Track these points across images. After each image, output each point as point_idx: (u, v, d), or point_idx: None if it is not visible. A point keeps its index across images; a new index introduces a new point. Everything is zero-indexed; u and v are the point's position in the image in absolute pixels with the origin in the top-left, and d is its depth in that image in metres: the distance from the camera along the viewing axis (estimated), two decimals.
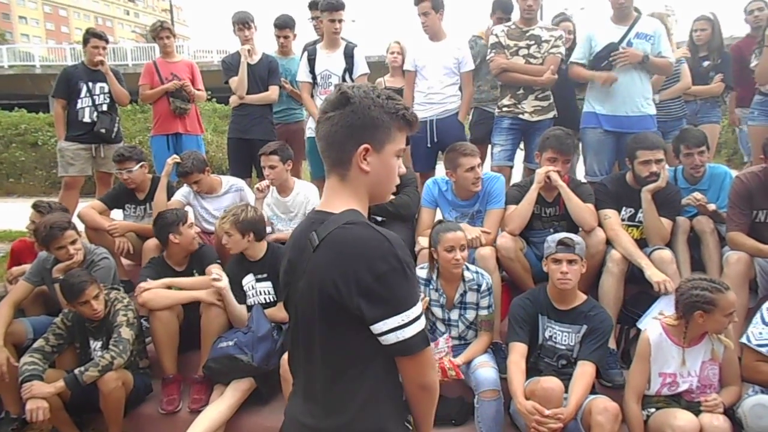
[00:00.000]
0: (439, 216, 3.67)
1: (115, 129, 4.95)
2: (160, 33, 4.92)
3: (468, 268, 3.05)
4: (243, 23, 4.81)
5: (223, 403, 3.00)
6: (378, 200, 1.40)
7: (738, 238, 3.17)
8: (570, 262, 2.75)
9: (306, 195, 3.96)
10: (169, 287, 3.37)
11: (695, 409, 2.48)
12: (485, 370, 2.80)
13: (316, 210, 1.38)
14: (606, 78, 3.84)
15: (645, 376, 2.61)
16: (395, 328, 1.23)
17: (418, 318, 1.25)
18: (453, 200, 3.65)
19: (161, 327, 3.25)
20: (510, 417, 2.82)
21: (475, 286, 3.00)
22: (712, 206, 3.39)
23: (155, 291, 3.28)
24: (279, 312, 3.35)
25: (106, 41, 4.97)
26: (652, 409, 2.56)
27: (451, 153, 3.52)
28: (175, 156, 4.12)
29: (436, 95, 4.27)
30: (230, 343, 3.09)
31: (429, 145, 4.27)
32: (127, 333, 3.08)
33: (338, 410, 1.29)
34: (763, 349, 2.54)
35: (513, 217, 3.41)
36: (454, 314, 3.04)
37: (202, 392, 3.23)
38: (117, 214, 4.43)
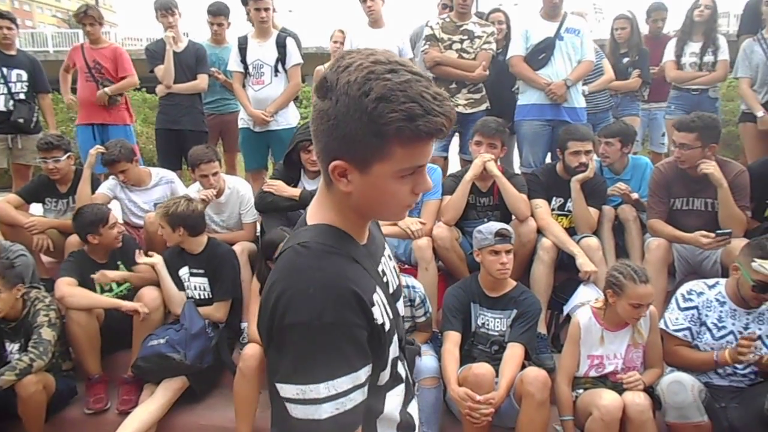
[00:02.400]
0: None
1: (34, 119, 4.65)
2: (84, 20, 4.62)
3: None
4: (165, 9, 4.62)
5: (153, 403, 2.89)
6: (382, 219, 1.08)
7: (657, 225, 3.34)
8: (507, 252, 2.81)
9: (239, 192, 3.84)
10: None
11: (620, 389, 2.59)
12: (426, 358, 2.83)
13: (303, 215, 1.10)
14: (545, 86, 3.99)
15: (575, 359, 2.71)
16: (291, 399, 0.90)
17: (319, 401, 0.89)
18: None
19: (78, 329, 3.09)
20: (446, 404, 2.87)
21: (408, 303, 2.95)
22: (634, 195, 3.57)
23: (75, 289, 3.12)
24: (215, 312, 3.26)
25: (14, 22, 4.61)
26: (581, 390, 2.66)
27: None
28: (98, 146, 3.90)
29: None
30: (161, 341, 2.98)
31: None
32: (48, 334, 2.91)
33: None
34: (679, 334, 2.66)
35: (449, 207, 3.45)
36: None
37: (131, 393, 3.10)
38: (36, 208, 4.18)
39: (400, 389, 1.11)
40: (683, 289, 2.74)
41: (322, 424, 0.90)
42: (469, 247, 3.49)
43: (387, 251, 1.20)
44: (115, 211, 4.06)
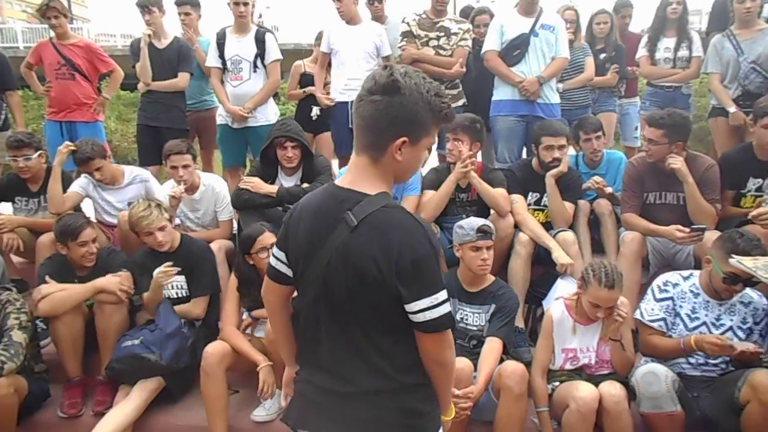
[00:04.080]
0: None
1: (2, 116, 4.54)
2: (47, 13, 4.47)
3: None
4: (143, 7, 4.54)
5: (128, 404, 2.84)
6: (401, 182, 1.53)
7: (631, 219, 3.39)
8: (488, 248, 2.82)
9: (214, 189, 3.80)
10: None
11: (595, 381, 2.63)
12: None
13: (342, 187, 1.41)
14: (519, 83, 4.02)
15: (549, 352, 2.74)
16: (425, 308, 1.34)
17: (445, 301, 1.37)
18: None
19: (64, 329, 3.02)
20: None
21: None
22: (609, 189, 3.62)
23: (52, 297, 3.00)
24: (194, 308, 3.22)
25: None
26: (557, 383, 2.69)
27: None
28: (68, 143, 3.80)
29: (353, 81, 4.27)
30: (136, 341, 2.93)
31: (350, 126, 4.26)
32: (19, 336, 2.84)
33: (378, 373, 1.40)
34: (654, 324, 2.70)
35: (430, 204, 3.45)
36: None
37: (106, 394, 3.04)
38: (6, 208, 4.07)
39: None
40: (659, 281, 2.78)
41: (449, 314, 1.39)
42: (447, 243, 3.49)
43: None
44: (88, 210, 4.01)
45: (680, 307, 2.69)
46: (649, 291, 2.80)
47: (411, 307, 1.35)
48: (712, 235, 3.09)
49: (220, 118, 4.48)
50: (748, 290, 2.65)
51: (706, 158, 3.43)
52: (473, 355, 2.78)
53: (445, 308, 1.37)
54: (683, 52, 4.68)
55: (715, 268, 2.58)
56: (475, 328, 2.90)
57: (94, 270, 3.22)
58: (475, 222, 2.85)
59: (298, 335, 1.58)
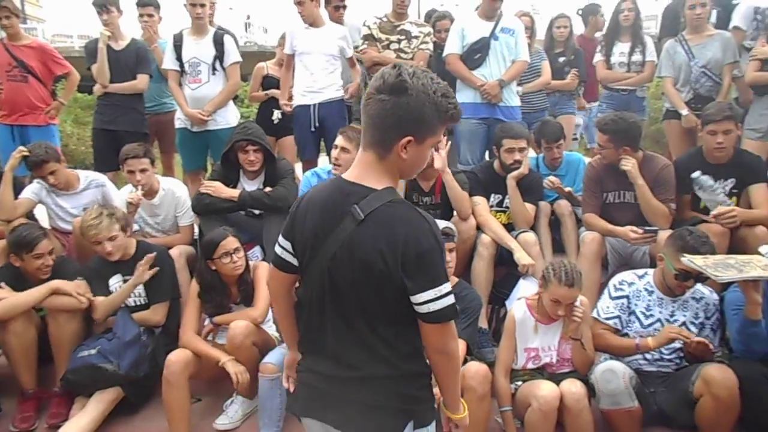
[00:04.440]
0: None
1: None
2: None
3: None
4: (100, 7, 4.41)
5: (84, 417, 2.74)
6: (407, 178, 1.54)
7: (591, 219, 3.47)
8: (450, 251, 2.83)
9: (174, 194, 3.71)
10: None
11: (556, 379, 2.66)
12: None
13: (349, 181, 1.46)
14: (481, 86, 4.08)
15: (511, 352, 2.77)
16: (430, 300, 1.38)
17: (450, 293, 1.41)
18: None
19: (15, 339, 2.90)
20: None
21: None
22: (567, 189, 3.69)
23: (2, 303, 2.89)
24: (153, 315, 3.13)
25: None
26: (519, 382, 2.72)
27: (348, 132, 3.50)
28: (21, 148, 3.66)
29: (316, 83, 4.26)
30: (92, 351, 2.84)
31: (312, 130, 4.28)
32: None
33: (382, 360, 1.45)
34: (609, 322, 2.77)
35: None
36: None
37: (61, 406, 2.94)
38: None
39: None
40: (615, 280, 2.85)
41: (453, 306, 1.42)
42: None
43: None
44: (41, 216, 3.87)
45: (635, 305, 2.76)
46: (605, 290, 2.87)
47: (416, 298, 1.39)
48: (665, 235, 3.19)
49: (179, 121, 4.39)
50: (699, 286, 2.74)
51: (662, 158, 3.54)
52: None
53: (449, 300, 1.41)
54: (637, 57, 4.82)
55: (668, 265, 2.66)
56: None
57: (47, 281, 3.08)
58: (438, 225, 2.85)
59: (301, 325, 1.62)
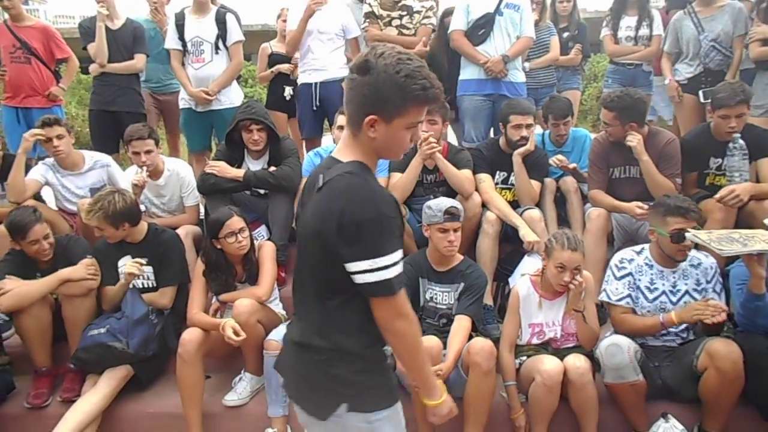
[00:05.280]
0: None
1: None
2: None
3: None
4: None
5: (96, 394, 2.80)
6: (389, 158, 1.57)
7: (597, 195, 3.46)
8: (455, 230, 2.84)
9: (179, 175, 3.73)
10: None
11: (561, 354, 2.68)
12: None
13: (331, 156, 1.54)
14: (485, 62, 4.01)
15: (516, 327, 2.79)
16: (364, 270, 1.39)
17: (386, 267, 1.40)
18: None
19: (31, 321, 2.94)
20: (398, 378, 2.90)
21: None
22: (572, 165, 3.67)
23: (15, 292, 2.90)
24: (160, 298, 3.15)
25: None
26: (524, 357, 2.74)
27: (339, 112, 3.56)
28: (34, 130, 3.62)
29: (317, 61, 4.23)
30: (102, 330, 2.88)
31: (314, 109, 4.27)
32: None
33: (328, 332, 1.48)
34: (622, 302, 2.74)
35: (398, 186, 3.46)
36: None
37: (74, 382, 2.98)
38: None
39: None
40: (615, 260, 2.84)
41: (392, 281, 1.41)
42: (416, 224, 3.51)
43: None
44: (48, 197, 3.89)
45: (639, 280, 2.76)
46: (608, 272, 2.84)
47: (350, 267, 1.41)
48: None
49: (183, 101, 4.37)
50: (695, 253, 2.75)
51: (667, 133, 3.50)
52: (443, 333, 2.82)
53: (387, 274, 1.40)
54: (644, 31, 4.73)
55: (660, 233, 2.68)
56: (444, 307, 2.93)
57: (55, 261, 3.13)
58: (443, 203, 2.86)
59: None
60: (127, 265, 3.04)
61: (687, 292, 2.71)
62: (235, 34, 4.23)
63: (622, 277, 2.77)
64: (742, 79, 4.04)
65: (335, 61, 4.28)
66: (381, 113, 1.41)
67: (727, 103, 3.20)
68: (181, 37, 4.19)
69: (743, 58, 4.08)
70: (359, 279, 1.41)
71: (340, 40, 4.29)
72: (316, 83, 4.23)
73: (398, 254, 1.43)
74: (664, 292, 2.73)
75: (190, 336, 2.81)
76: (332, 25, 4.22)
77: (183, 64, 4.26)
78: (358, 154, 1.48)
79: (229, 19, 4.22)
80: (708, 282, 2.73)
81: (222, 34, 4.18)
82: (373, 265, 1.39)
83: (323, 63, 4.24)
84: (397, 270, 1.43)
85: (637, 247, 2.87)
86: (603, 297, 2.81)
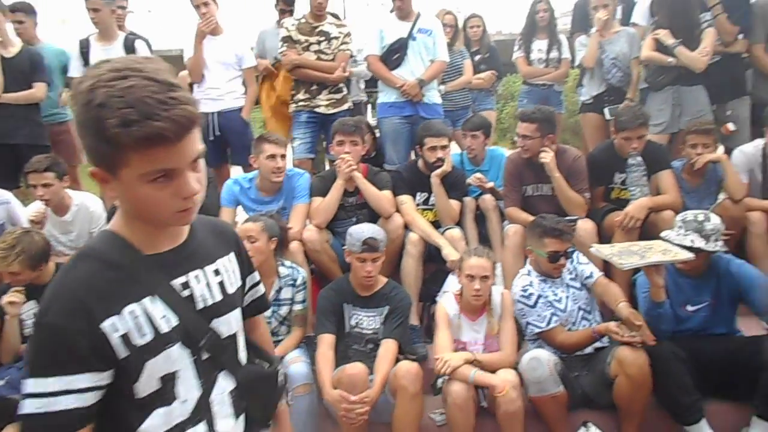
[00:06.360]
0: (240, 215, 3.57)
1: None
2: None
3: (283, 264, 3.04)
4: None
5: None
6: (160, 225, 1.07)
7: (514, 212, 3.57)
8: (374, 260, 2.86)
9: (88, 209, 3.54)
10: None
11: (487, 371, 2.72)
12: (297, 365, 2.79)
13: None
14: (401, 85, 4.09)
15: (446, 343, 2.78)
16: (27, 394, 0.97)
17: (34, 396, 0.96)
18: (256, 197, 3.57)
19: None
20: (326, 408, 2.85)
21: (291, 282, 3.00)
22: (490, 184, 3.78)
23: None
24: None
25: None
26: (447, 377, 2.75)
27: (259, 139, 3.52)
28: None
29: (213, 90, 4.20)
30: (1, 382, 2.66)
31: (211, 138, 4.20)
32: None
33: None
34: (552, 324, 2.78)
35: (320, 210, 3.45)
36: (267, 311, 2.98)
37: None
38: None
39: (174, 410, 1.10)
40: (517, 292, 2.87)
41: (24, 418, 0.96)
42: (339, 248, 3.49)
43: (217, 265, 1.20)
44: None
45: (547, 297, 2.87)
46: (518, 306, 2.87)
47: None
48: (583, 224, 3.34)
49: None
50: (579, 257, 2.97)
51: (573, 150, 3.68)
52: (370, 358, 2.80)
53: (27, 407, 0.96)
54: (554, 54, 5.02)
55: (537, 253, 2.83)
56: (370, 332, 2.92)
57: None
58: (364, 233, 2.87)
59: None
60: (8, 294, 2.80)
61: (569, 286, 2.92)
62: None
63: (536, 302, 2.84)
64: (641, 97, 4.34)
65: (232, 90, 4.26)
66: (99, 164, 0.98)
67: (628, 126, 3.41)
68: (86, 65, 4.01)
69: (640, 79, 4.37)
70: (23, 405, 0.97)
71: (237, 71, 4.27)
72: (213, 113, 4.19)
73: (61, 384, 0.96)
74: (567, 298, 2.88)
75: None
76: (227, 54, 4.21)
77: None
78: (119, 222, 1.07)
79: (139, 45, 4.09)
80: (585, 278, 2.95)
81: None
82: (30, 389, 0.96)
83: (220, 93, 4.22)
84: (47, 407, 0.95)
85: (525, 269, 3.00)
86: (533, 330, 2.83)
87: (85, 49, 4.04)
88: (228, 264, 1.23)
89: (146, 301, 1.05)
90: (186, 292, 1.11)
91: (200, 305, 1.13)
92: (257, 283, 1.40)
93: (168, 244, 1.10)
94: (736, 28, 3.94)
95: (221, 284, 1.19)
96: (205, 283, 1.15)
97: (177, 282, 1.10)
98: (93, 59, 4.01)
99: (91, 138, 0.94)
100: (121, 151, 0.93)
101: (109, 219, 3.37)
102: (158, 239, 1.09)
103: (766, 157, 3.46)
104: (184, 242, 1.13)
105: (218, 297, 1.17)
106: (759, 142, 3.55)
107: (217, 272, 1.19)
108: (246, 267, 1.32)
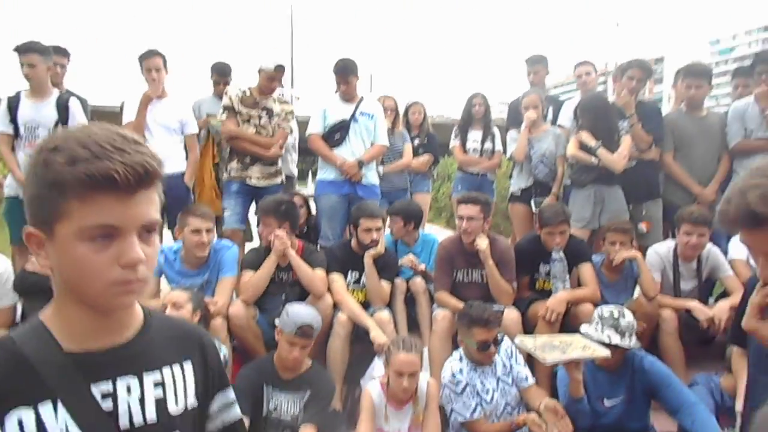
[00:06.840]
0: (164, 285, 3.43)
1: None
2: None
3: None
4: None
5: None
6: (97, 306, 0.88)
7: (442, 297, 3.60)
8: (303, 347, 2.81)
9: None
10: None
11: None
12: None
13: None
14: (341, 164, 4.18)
15: (372, 429, 2.70)
16: None
17: None
18: (181, 269, 3.45)
19: None
20: None
21: None
22: (422, 266, 3.83)
23: None
24: None
25: None
26: None
27: (184, 212, 3.44)
28: None
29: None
30: None
31: None
32: None
33: None
34: (476, 414, 2.78)
35: (250, 285, 3.37)
36: None
37: None
38: None
39: None
40: (446, 377, 2.89)
41: None
42: (265, 324, 3.39)
43: (162, 375, 0.96)
44: None
45: (475, 385, 2.87)
46: (445, 392, 2.86)
47: None
48: (509, 313, 3.41)
49: (8, 189, 3.96)
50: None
51: (503, 239, 3.82)
52: None
53: None
54: (488, 145, 5.29)
55: (468, 343, 2.87)
56: (289, 418, 2.80)
57: None
58: (301, 318, 2.82)
59: None
60: None
61: (499, 379, 2.92)
62: (78, 118, 3.98)
63: (463, 390, 2.83)
64: (565, 193, 4.60)
65: (175, 154, 4.22)
66: (35, 221, 0.86)
67: (551, 223, 3.60)
68: (14, 120, 3.86)
69: (565, 175, 4.64)
70: None
71: (179, 136, 4.26)
72: None
73: None
74: (492, 389, 2.87)
75: None
76: (171, 119, 4.20)
77: (13, 149, 3.89)
78: (49, 308, 0.93)
79: (73, 103, 3.99)
80: (520, 380, 2.97)
81: (63, 120, 3.92)
82: None
83: (163, 156, 4.10)
84: None
85: (455, 355, 3.01)
86: (457, 419, 2.81)
87: (13, 104, 3.89)
88: (178, 375, 0.98)
89: (44, 406, 0.84)
90: (107, 404, 0.89)
91: (124, 424, 0.90)
92: (230, 404, 1.10)
93: (106, 340, 0.91)
94: (650, 137, 4.30)
95: (161, 402, 0.95)
96: (137, 397, 0.92)
97: (98, 389, 0.89)
98: (21, 114, 3.88)
99: (34, 185, 0.84)
100: (62, 196, 0.81)
101: (16, 283, 3.17)
102: (95, 333, 0.90)
103: (677, 258, 3.70)
104: (129, 341, 0.93)
105: (152, 417, 0.93)
106: (671, 243, 3.80)
107: (159, 384, 0.95)
108: (216, 381, 1.06)
